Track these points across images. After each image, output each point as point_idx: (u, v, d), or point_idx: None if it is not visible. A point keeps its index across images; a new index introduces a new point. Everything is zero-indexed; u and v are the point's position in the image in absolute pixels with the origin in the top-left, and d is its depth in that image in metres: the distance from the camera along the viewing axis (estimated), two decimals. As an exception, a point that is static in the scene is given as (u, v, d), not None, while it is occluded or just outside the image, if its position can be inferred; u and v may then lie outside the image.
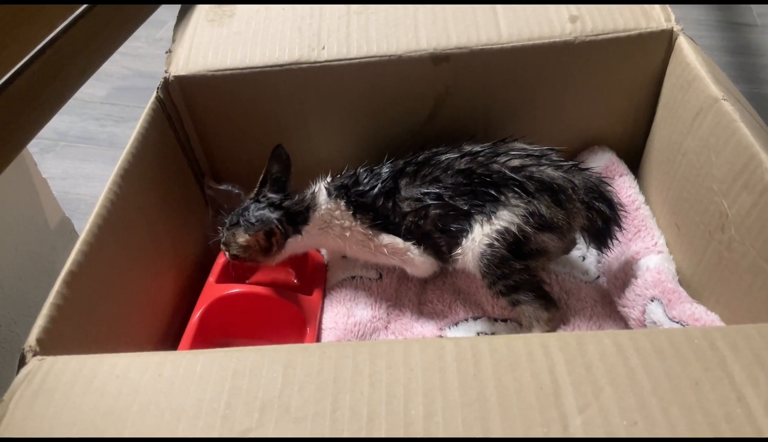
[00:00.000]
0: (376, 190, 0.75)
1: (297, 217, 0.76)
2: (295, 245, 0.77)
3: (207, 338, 0.73)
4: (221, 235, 0.79)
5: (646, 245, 0.76)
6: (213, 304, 0.75)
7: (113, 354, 0.49)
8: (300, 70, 0.78)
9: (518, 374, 0.43)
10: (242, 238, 0.75)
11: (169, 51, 0.82)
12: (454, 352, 0.45)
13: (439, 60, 0.77)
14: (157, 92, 0.77)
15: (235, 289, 0.77)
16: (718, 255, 0.64)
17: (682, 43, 0.73)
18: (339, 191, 0.76)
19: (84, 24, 0.79)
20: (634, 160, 0.86)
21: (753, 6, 1.85)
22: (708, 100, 0.66)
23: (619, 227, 0.71)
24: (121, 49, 2.31)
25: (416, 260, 0.77)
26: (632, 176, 0.84)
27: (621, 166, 0.84)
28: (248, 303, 0.77)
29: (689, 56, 0.71)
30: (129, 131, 0.69)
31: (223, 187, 0.87)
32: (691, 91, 0.70)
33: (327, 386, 0.44)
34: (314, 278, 0.84)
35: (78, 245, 0.59)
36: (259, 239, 0.75)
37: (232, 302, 0.76)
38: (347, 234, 0.77)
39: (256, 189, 0.80)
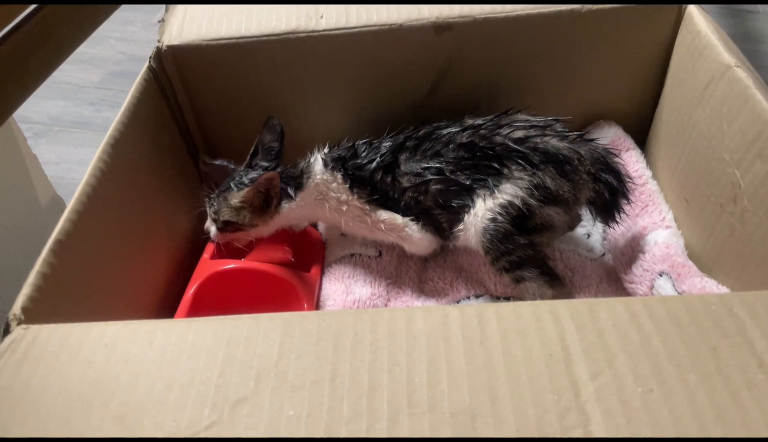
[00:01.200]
0: (374, 164, 0.73)
1: (291, 182, 0.74)
2: (289, 213, 0.75)
3: (202, 314, 0.71)
4: (211, 206, 0.76)
5: (654, 220, 0.73)
6: (208, 280, 0.73)
7: (101, 322, 0.46)
8: (297, 40, 0.76)
9: (527, 341, 0.41)
10: (236, 198, 0.73)
11: (162, 20, 0.79)
12: (459, 319, 0.43)
13: (442, 29, 0.75)
14: (150, 62, 0.75)
15: (231, 264, 0.75)
16: (730, 227, 0.62)
17: (693, 11, 0.71)
18: (336, 163, 0.74)
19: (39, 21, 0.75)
20: (641, 134, 0.84)
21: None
22: (720, 68, 0.64)
23: (627, 199, 0.69)
24: (116, 33, 2.28)
25: (414, 236, 0.75)
26: (639, 151, 0.82)
27: (627, 141, 0.82)
28: (244, 279, 0.74)
29: (700, 24, 0.69)
30: (124, 117, 0.67)
31: (218, 162, 0.84)
32: (702, 59, 0.67)
33: (326, 354, 0.42)
34: (312, 256, 0.82)
35: (66, 214, 0.56)
36: (255, 194, 0.73)
37: (227, 277, 0.74)
38: (344, 208, 0.75)
39: (247, 159, 0.78)
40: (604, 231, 0.79)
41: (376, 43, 0.76)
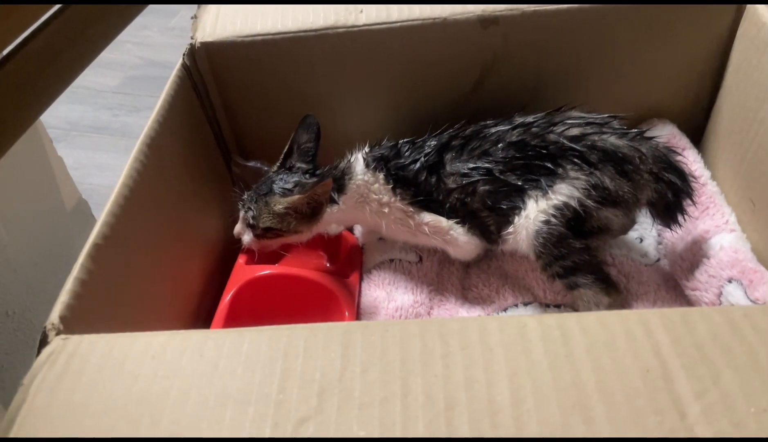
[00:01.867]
0: (418, 164, 0.70)
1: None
2: (330, 217, 0.72)
3: (239, 322, 0.68)
4: (248, 210, 0.72)
5: (716, 222, 0.69)
6: (245, 286, 0.70)
7: (146, 333, 0.43)
8: (336, 36, 0.72)
9: (617, 355, 0.37)
10: (281, 204, 0.69)
11: (195, 17, 0.76)
12: (538, 330, 0.39)
13: (488, 23, 0.72)
14: (183, 59, 0.72)
15: (267, 270, 0.72)
16: (807, 230, 0.58)
17: (755, 6, 0.67)
18: (378, 163, 0.71)
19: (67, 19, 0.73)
20: (696, 132, 0.80)
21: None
22: (794, 60, 0.60)
23: (692, 200, 0.65)
24: (133, 38, 2.27)
25: (460, 239, 0.71)
26: (695, 150, 0.77)
27: (683, 140, 0.78)
28: (282, 285, 0.71)
29: (765, 16, 0.65)
30: (142, 121, 0.64)
31: (251, 164, 0.81)
32: (770, 52, 0.63)
33: (394, 368, 0.38)
34: (350, 261, 0.79)
35: (103, 217, 0.53)
36: (307, 202, 0.68)
37: (264, 284, 0.71)
38: (385, 210, 0.71)
39: (280, 160, 0.74)
40: (659, 235, 0.75)
41: (419, 38, 0.73)
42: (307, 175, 0.71)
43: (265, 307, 0.69)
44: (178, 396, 0.39)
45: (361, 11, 0.73)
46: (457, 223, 0.71)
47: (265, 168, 0.81)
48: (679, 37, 0.73)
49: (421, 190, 0.70)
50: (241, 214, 0.74)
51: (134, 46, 2.02)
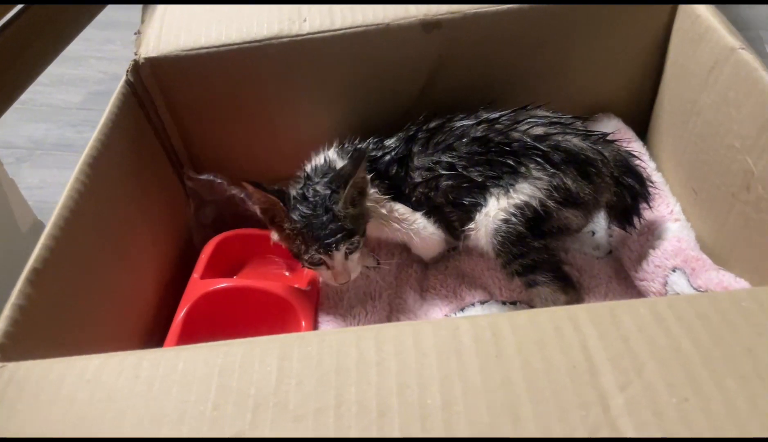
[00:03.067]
0: (388, 157, 0.70)
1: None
2: None
3: (194, 338, 0.67)
4: (340, 246, 0.65)
5: (662, 213, 0.71)
6: (199, 301, 0.69)
7: (84, 356, 0.43)
8: (281, 45, 0.72)
9: (546, 352, 0.38)
10: (347, 202, 0.65)
11: (138, 32, 0.76)
12: (471, 332, 0.40)
13: (431, 27, 0.72)
14: (127, 76, 0.71)
15: (222, 284, 0.71)
16: (744, 217, 0.59)
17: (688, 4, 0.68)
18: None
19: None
20: (641, 125, 0.82)
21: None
22: (724, 51, 0.61)
23: (648, 204, 0.67)
24: (97, 53, 2.24)
25: (428, 230, 0.72)
26: (641, 143, 0.79)
27: (629, 133, 0.79)
28: (237, 298, 0.71)
29: (698, 8, 0.67)
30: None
31: (204, 177, 0.81)
32: (703, 44, 0.65)
33: (329, 379, 0.39)
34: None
35: (42, 240, 0.53)
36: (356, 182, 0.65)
37: (219, 297, 0.70)
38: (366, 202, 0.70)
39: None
40: (609, 227, 0.76)
41: (363, 44, 0.73)
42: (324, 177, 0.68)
43: (221, 321, 0.69)
44: (114, 418, 0.38)
45: (305, 20, 0.73)
46: (424, 214, 0.71)
47: (218, 180, 0.81)
48: (619, 33, 0.74)
49: (392, 184, 0.70)
50: (337, 255, 0.66)
51: (97, 61, 1.99)
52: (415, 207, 0.71)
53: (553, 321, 0.40)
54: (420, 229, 0.71)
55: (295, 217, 0.65)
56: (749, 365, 0.36)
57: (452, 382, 0.37)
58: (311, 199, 0.65)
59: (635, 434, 0.33)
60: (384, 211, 0.71)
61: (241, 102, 0.78)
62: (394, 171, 0.70)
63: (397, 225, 0.71)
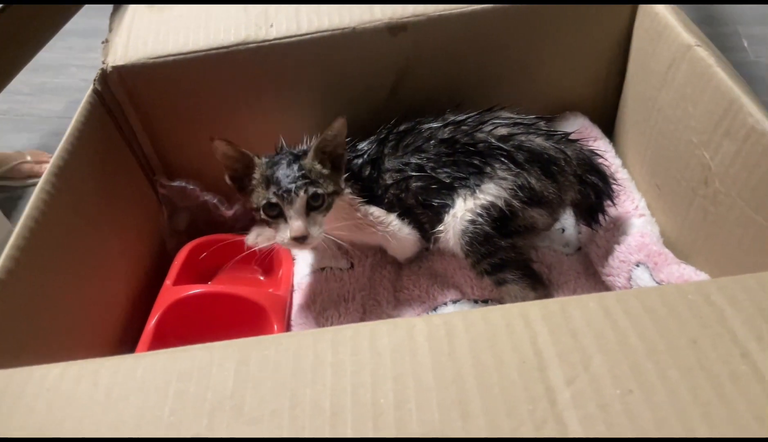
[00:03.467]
0: (361, 160, 0.71)
1: None
2: None
3: (166, 345, 0.67)
4: (303, 191, 0.63)
5: (627, 209, 0.72)
6: (170, 307, 0.70)
7: (45, 365, 0.43)
8: (248, 51, 0.73)
9: (497, 348, 0.39)
10: (313, 162, 0.65)
11: (106, 41, 0.76)
12: (425, 331, 0.41)
13: (396, 30, 0.73)
14: (94, 85, 0.72)
15: (194, 290, 0.72)
16: (704, 211, 0.61)
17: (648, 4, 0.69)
18: None
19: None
20: (607, 123, 0.83)
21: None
22: (680, 49, 0.62)
23: (612, 201, 0.68)
24: (77, 61, 2.23)
25: (403, 231, 0.72)
26: (607, 140, 0.80)
27: (595, 131, 0.80)
28: (209, 304, 0.71)
29: (657, 7, 0.68)
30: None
31: (176, 184, 0.81)
32: (661, 42, 0.66)
33: (285, 381, 0.39)
34: (280, 273, 0.79)
35: (7, 250, 0.53)
36: (328, 141, 0.65)
37: (191, 304, 0.71)
38: (340, 203, 0.70)
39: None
40: (578, 224, 0.77)
41: (330, 48, 0.73)
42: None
43: (193, 327, 0.69)
44: (72, 427, 0.39)
45: (272, 25, 0.73)
46: (398, 216, 0.72)
47: (191, 186, 0.82)
48: (583, 33, 0.75)
49: (365, 186, 0.71)
50: (297, 202, 0.63)
51: (78, 69, 1.98)
52: (389, 209, 0.71)
53: (505, 318, 0.40)
54: (396, 230, 0.72)
55: (263, 164, 0.65)
56: (693, 356, 0.36)
57: (405, 380, 0.38)
58: (282, 158, 0.66)
59: (580, 427, 0.34)
60: (359, 214, 0.71)
61: (212, 108, 0.79)
62: (367, 173, 0.71)
63: (372, 227, 0.72)
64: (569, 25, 0.75)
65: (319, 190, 0.64)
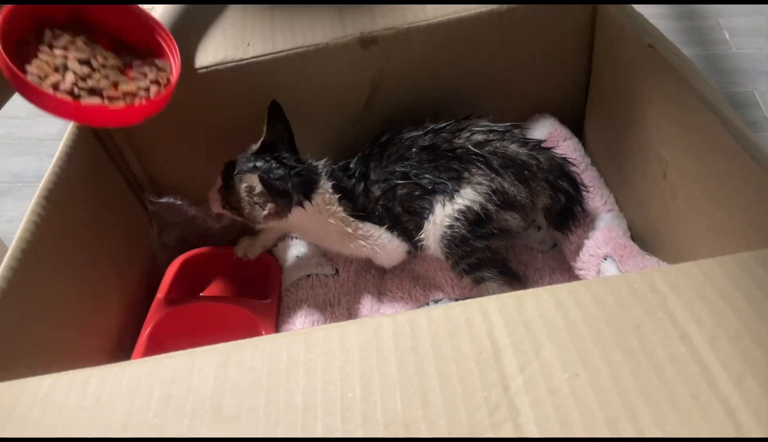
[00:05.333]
0: (353, 179, 0.74)
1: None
2: (294, 220, 0.73)
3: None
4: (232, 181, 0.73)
5: (596, 204, 0.74)
6: (161, 320, 0.72)
7: (38, 377, 0.46)
8: (227, 70, 0.76)
9: (457, 341, 0.41)
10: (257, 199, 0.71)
11: (90, 64, 0.79)
12: (391, 328, 0.43)
13: (367, 43, 0.76)
14: (80, 108, 0.74)
15: (184, 302, 0.74)
16: (664, 204, 0.63)
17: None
18: (330, 175, 0.74)
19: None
20: (577, 123, 0.85)
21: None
22: (637, 49, 0.65)
23: (582, 207, 0.70)
24: (72, 83, 2.24)
25: (393, 244, 0.75)
26: (576, 140, 0.83)
27: (564, 131, 0.83)
28: (198, 315, 0.74)
29: (613, 10, 0.71)
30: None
31: (164, 200, 0.84)
32: (620, 43, 0.69)
33: (261, 381, 0.42)
34: (268, 282, 0.82)
35: (0, 272, 0.56)
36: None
37: (181, 316, 0.73)
38: (331, 220, 0.74)
39: (259, 145, 0.75)
40: (550, 229, 0.80)
41: (305, 64, 0.76)
42: (292, 172, 0.72)
43: (184, 339, 0.71)
44: (64, 433, 0.41)
45: (248, 44, 0.76)
46: (387, 229, 0.75)
47: (179, 202, 0.84)
48: (545, 36, 0.78)
49: (358, 203, 0.74)
50: (218, 181, 0.75)
51: (71, 91, 2.03)
52: (378, 221, 0.75)
53: (465, 313, 0.43)
54: (386, 243, 0.75)
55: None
56: (636, 341, 0.39)
57: (371, 375, 0.41)
58: (272, 162, 0.72)
59: (530, 410, 0.37)
60: (350, 229, 0.75)
61: (197, 126, 0.81)
62: (360, 190, 0.74)
63: (363, 242, 0.75)
64: (532, 32, 0.77)
65: (228, 199, 0.74)
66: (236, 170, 0.73)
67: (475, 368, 0.40)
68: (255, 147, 0.75)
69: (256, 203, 0.71)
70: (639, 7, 0.70)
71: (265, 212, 0.71)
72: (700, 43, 1.64)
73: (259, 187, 0.69)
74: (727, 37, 1.67)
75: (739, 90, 1.46)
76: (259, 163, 0.72)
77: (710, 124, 0.56)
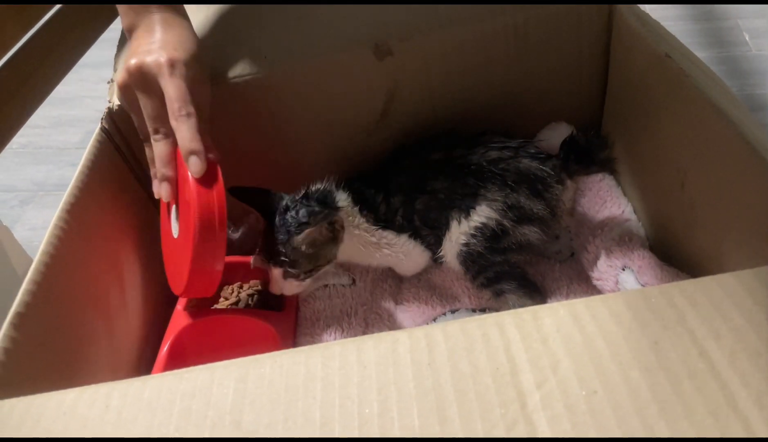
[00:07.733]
0: (373, 189, 0.75)
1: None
2: None
3: (179, 368, 0.71)
4: (281, 263, 0.71)
5: (613, 214, 0.74)
6: (181, 333, 0.73)
7: (62, 391, 0.47)
8: (245, 83, 0.77)
9: (473, 356, 0.42)
10: (304, 242, 0.70)
11: (111, 80, 0.81)
12: (407, 343, 0.44)
13: (383, 54, 0.76)
14: (102, 123, 0.76)
15: (204, 314, 0.75)
16: (682, 214, 0.63)
17: (622, 9, 0.72)
18: (349, 189, 0.75)
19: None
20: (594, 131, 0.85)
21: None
22: (653, 58, 0.65)
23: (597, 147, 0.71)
24: (92, 92, 2.30)
25: (417, 250, 0.77)
26: (593, 148, 0.82)
27: (581, 140, 0.83)
28: (218, 327, 0.75)
29: (629, 19, 0.70)
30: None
31: (184, 212, 0.85)
32: (636, 52, 0.68)
33: (279, 396, 0.42)
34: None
35: (24, 285, 0.57)
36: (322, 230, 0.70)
37: (201, 328, 0.74)
38: (356, 232, 0.74)
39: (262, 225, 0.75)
40: (569, 232, 0.79)
41: (320, 76, 0.77)
42: (314, 202, 0.72)
43: (204, 350, 0.73)
44: (86, 446, 0.42)
45: (265, 57, 0.77)
46: (410, 236, 0.76)
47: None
48: (561, 45, 0.78)
49: (379, 212, 0.75)
50: (273, 270, 0.72)
51: (93, 100, 2.05)
52: (399, 231, 0.76)
53: (482, 328, 0.43)
54: (411, 249, 0.76)
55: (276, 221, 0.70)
56: (653, 357, 0.39)
57: (388, 391, 0.41)
58: (288, 216, 0.70)
59: (547, 427, 0.37)
60: (374, 239, 0.75)
61: (216, 141, 0.82)
62: (380, 199, 0.75)
63: (387, 250, 0.76)
64: (550, 41, 0.78)
65: (294, 272, 0.71)
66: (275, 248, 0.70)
67: (492, 384, 0.40)
68: (260, 226, 0.75)
69: (321, 244, 0.71)
70: (657, 8, 0.70)
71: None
72: (719, 45, 1.62)
73: (308, 236, 0.69)
74: (747, 38, 1.65)
75: (759, 92, 1.44)
76: (288, 220, 0.70)
77: (727, 134, 0.55)
